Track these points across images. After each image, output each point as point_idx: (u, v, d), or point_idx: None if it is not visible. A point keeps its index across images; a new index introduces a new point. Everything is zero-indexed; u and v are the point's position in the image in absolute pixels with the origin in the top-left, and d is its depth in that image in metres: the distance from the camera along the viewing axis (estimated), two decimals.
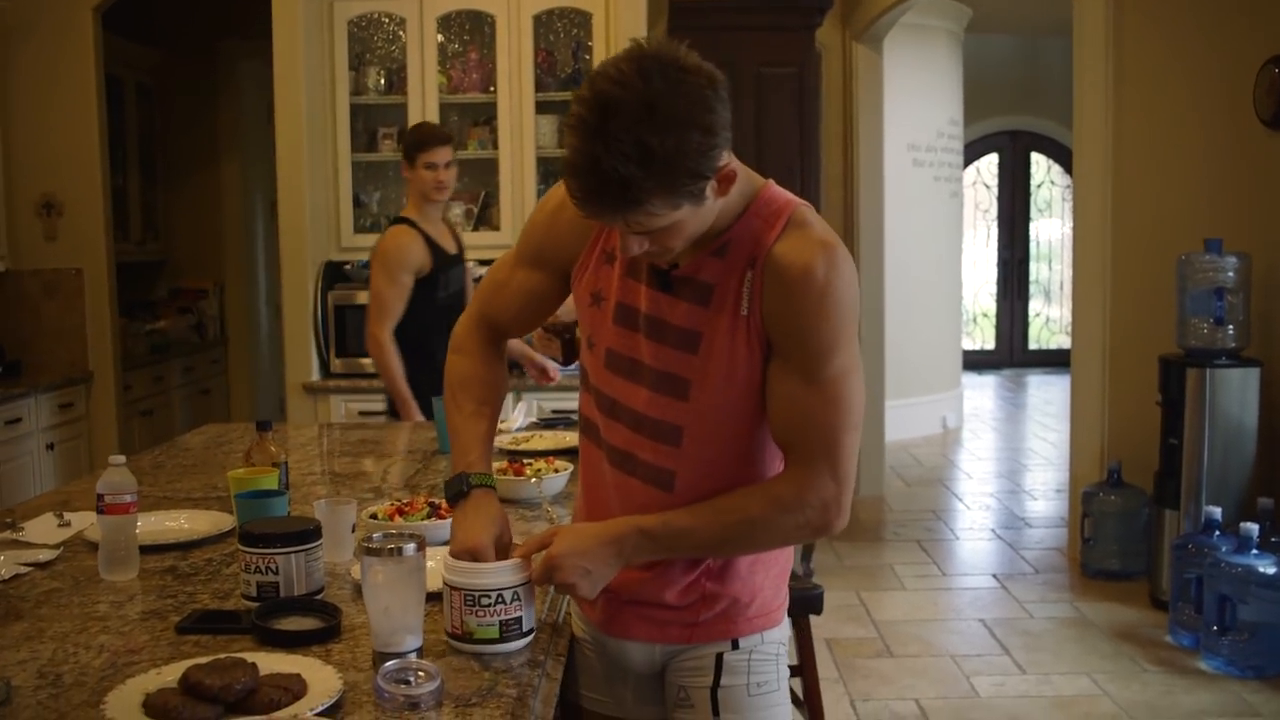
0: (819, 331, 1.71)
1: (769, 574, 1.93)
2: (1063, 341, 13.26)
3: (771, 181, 1.82)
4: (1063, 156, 12.81)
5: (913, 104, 8.97)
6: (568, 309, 2.10)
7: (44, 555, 2.37)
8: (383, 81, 5.76)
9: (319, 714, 1.53)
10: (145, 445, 5.95)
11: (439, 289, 4.35)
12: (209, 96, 7.97)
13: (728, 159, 1.65)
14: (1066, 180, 12.96)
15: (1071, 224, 12.64)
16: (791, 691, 2.41)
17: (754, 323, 1.74)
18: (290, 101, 5.47)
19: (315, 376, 5.57)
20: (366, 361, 5.51)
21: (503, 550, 1.87)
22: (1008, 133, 12.95)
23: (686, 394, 1.80)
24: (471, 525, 1.87)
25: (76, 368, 6.18)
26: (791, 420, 1.75)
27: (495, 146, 5.69)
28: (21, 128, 6.07)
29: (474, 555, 1.81)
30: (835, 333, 1.71)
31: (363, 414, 5.39)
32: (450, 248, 4.45)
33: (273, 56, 5.48)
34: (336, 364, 5.55)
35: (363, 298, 5.48)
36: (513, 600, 1.77)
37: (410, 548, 1.73)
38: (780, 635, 1.96)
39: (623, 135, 1.53)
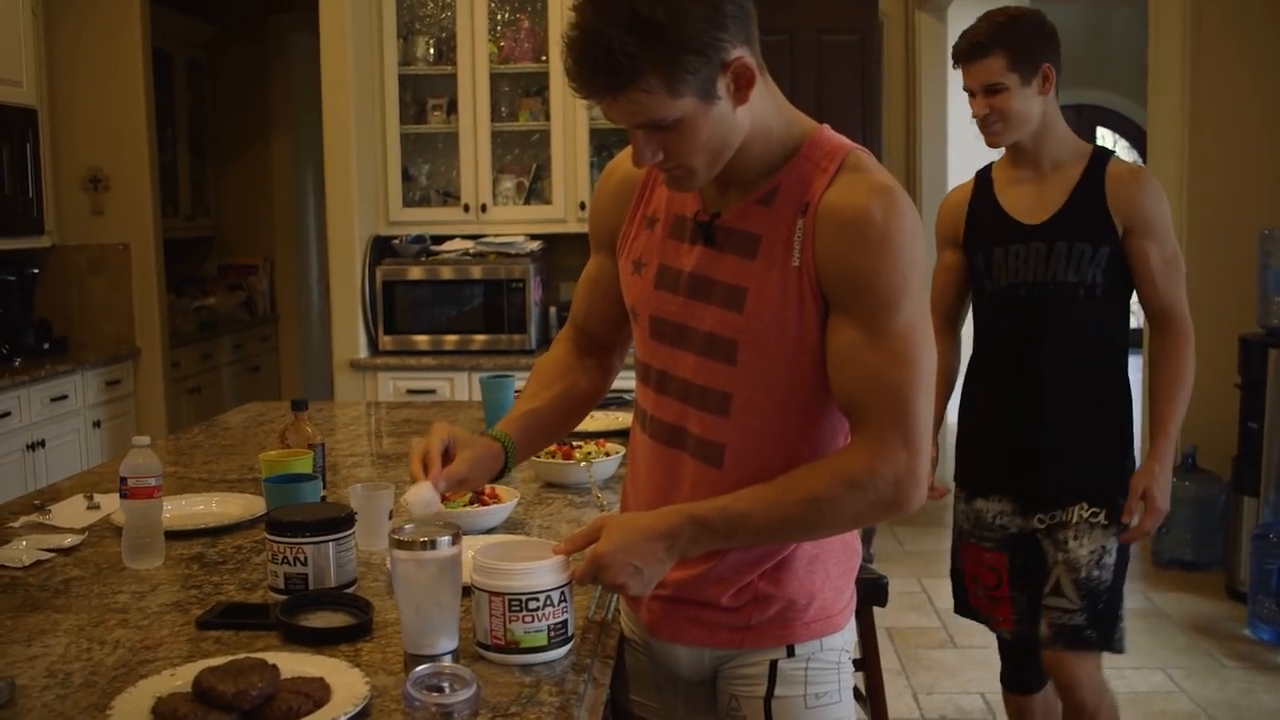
0: (880, 280, 1.55)
1: (829, 574, 1.74)
2: (1133, 322, 12.94)
3: (826, 126, 1.67)
4: (1130, 131, 12.47)
5: None
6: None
7: (69, 540, 2.26)
8: (432, 51, 5.62)
9: None
10: (193, 423, 5.87)
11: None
12: (259, 70, 7.88)
13: (743, 55, 1.52)
14: (1134, 155, 12.62)
15: None
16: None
17: (807, 274, 1.59)
18: (337, 72, 5.34)
19: (363, 353, 5.46)
20: (418, 339, 5.40)
21: (458, 464, 1.75)
22: (1072, 106, 12.58)
23: (734, 357, 1.64)
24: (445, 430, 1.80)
25: (124, 344, 6.10)
26: (856, 382, 1.58)
27: (547, 118, 5.54)
28: (69, 101, 5.99)
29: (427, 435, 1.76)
30: (900, 282, 1.55)
31: (411, 392, 5.27)
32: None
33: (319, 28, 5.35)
34: (385, 341, 5.44)
35: (416, 273, 5.37)
36: (560, 602, 1.61)
37: (445, 540, 1.58)
38: (842, 641, 1.77)
39: (619, 3, 1.47)
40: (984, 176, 3.02)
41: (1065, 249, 2.76)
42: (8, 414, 5.00)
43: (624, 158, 1.83)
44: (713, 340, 1.66)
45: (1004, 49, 2.71)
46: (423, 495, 1.69)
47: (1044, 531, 2.86)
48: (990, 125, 2.81)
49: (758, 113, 1.59)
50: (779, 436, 1.66)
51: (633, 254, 1.79)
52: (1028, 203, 2.85)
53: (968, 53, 2.77)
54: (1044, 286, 2.78)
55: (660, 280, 1.73)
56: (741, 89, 1.54)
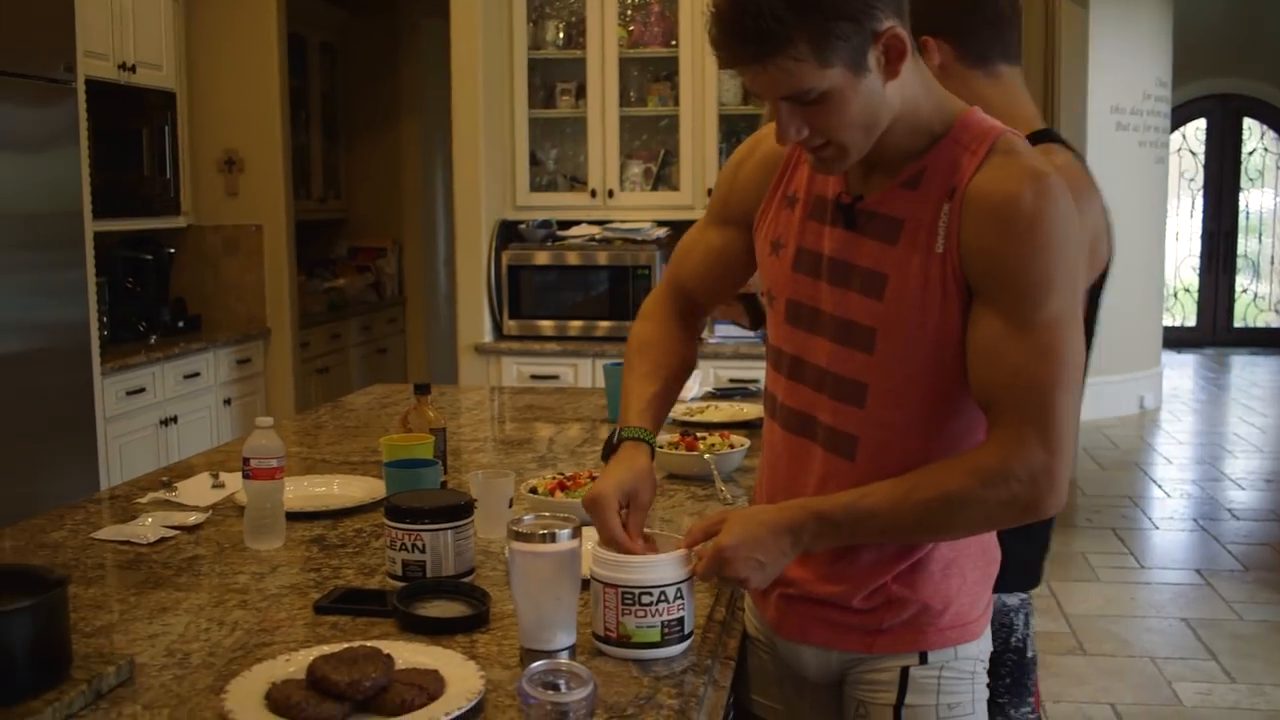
0: (1027, 268, 1.46)
1: (966, 579, 1.66)
2: (1271, 320, 12.51)
3: (977, 108, 1.59)
4: (1279, 122, 12.01)
5: (1118, 63, 8.44)
6: (756, 281, 1.90)
7: (193, 518, 2.28)
8: (561, 35, 5.60)
9: (455, 719, 1.36)
10: (320, 403, 5.95)
11: None
12: (391, 55, 7.96)
13: (895, 25, 1.46)
14: None
15: None
16: None
17: (951, 261, 1.51)
18: (467, 56, 5.35)
19: (488, 338, 5.47)
20: (543, 323, 5.40)
21: (640, 509, 1.65)
22: (1217, 96, 12.18)
23: (871, 346, 1.57)
24: (602, 477, 1.69)
25: (255, 324, 6.21)
26: (995, 374, 1.49)
27: (676, 103, 5.49)
28: (205, 84, 6.10)
29: (592, 506, 1.63)
30: (1048, 270, 1.47)
31: (534, 377, 5.27)
32: None
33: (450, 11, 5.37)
34: (510, 325, 5.44)
35: (542, 258, 5.36)
36: (675, 598, 1.56)
37: (564, 533, 1.54)
38: (978, 651, 1.69)
39: None
40: None
41: None
42: (143, 390, 5.11)
43: (768, 133, 1.75)
44: (850, 327, 1.59)
45: None
46: (669, 564, 1.59)
47: None
48: None
49: (908, 91, 1.52)
50: (914, 431, 1.59)
51: (771, 234, 1.72)
52: None
53: None
54: None
55: (798, 263, 1.66)
56: (893, 62, 1.47)
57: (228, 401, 5.83)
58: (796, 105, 1.48)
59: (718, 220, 1.88)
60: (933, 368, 1.56)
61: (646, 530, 1.67)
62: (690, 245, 1.94)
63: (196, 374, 5.55)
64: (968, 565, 1.66)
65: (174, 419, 5.33)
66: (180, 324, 5.83)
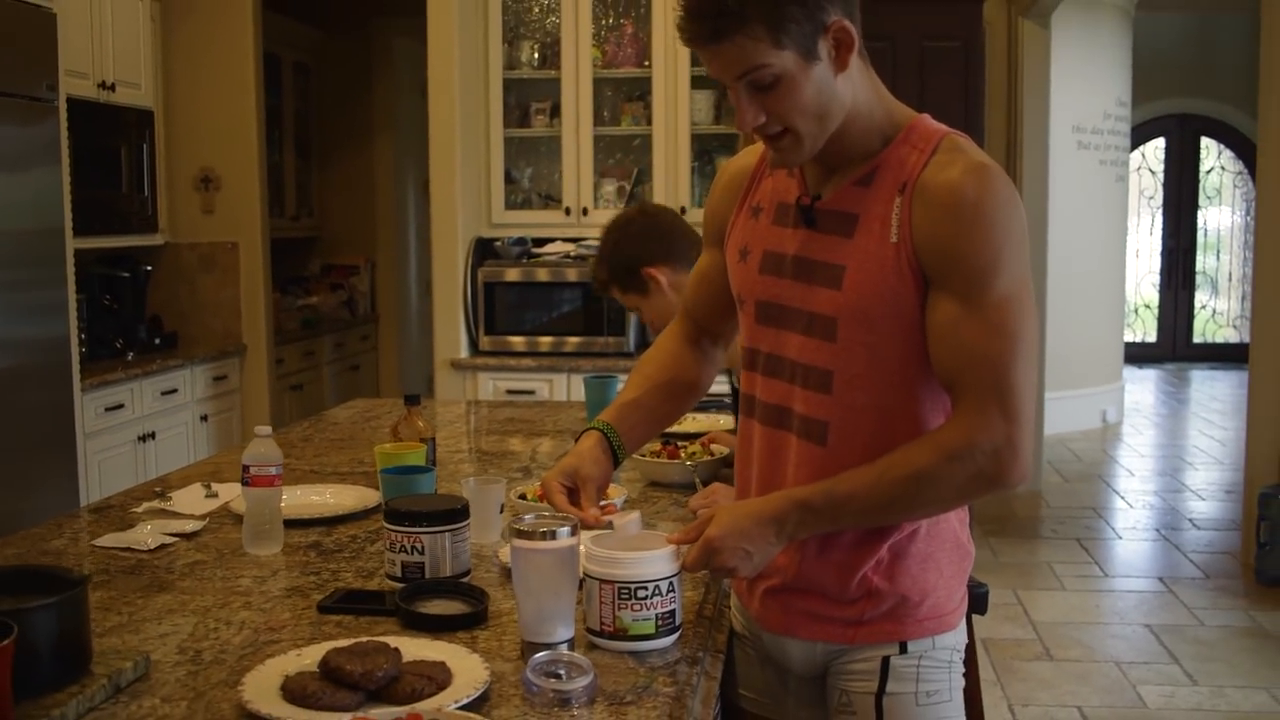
0: (975, 252, 1.58)
1: (943, 572, 1.75)
2: (1229, 335, 12.71)
3: (926, 115, 1.72)
4: (1235, 141, 12.23)
5: (1079, 84, 8.61)
6: None
7: (190, 526, 2.34)
8: (536, 56, 5.69)
9: (463, 707, 1.43)
10: (295, 419, 5.99)
11: None
12: (363, 74, 8.02)
13: (843, 20, 1.59)
14: (1239, 166, 12.38)
15: (1244, 212, 12.25)
16: None
17: (905, 250, 1.62)
18: (443, 75, 5.43)
19: (464, 353, 5.54)
20: (518, 339, 5.47)
21: (586, 482, 1.84)
22: (1176, 116, 12.40)
23: (834, 334, 1.67)
24: (556, 465, 1.87)
25: (231, 340, 6.25)
26: (954, 355, 1.60)
27: (649, 123, 5.58)
28: (182, 103, 6.15)
29: (544, 491, 1.84)
30: (994, 253, 1.58)
31: (511, 392, 5.34)
32: None
33: (427, 31, 5.44)
34: (485, 341, 5.51)
35: (518, 275, 5.44)
36: (668, 591, 1.64)
37: (564, 531, 1.62)
38: (954, 641, 1.78)
39: None
40: None
41: None
42: (121, 406, 5.15)
43: (737, 157, 1.92)
44: (814, 319, 1.70)
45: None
46: (633, 523, 1.74)
47: None
48: None
49: (859, 93, 1.65)
50: (880, 413, 1.68)
51: (739, 243, 1.84)
52: None
53: None
54: None
55: (765, 266, 1.77)
56: (842, 54, 1.60)
57: (204, 418, 5.87)
58: (754, 91, 1.60)
59: (707, 245, 2.00)
60: (894, 353, 1.66)
61: (617, 519, 1.75)
62: (692, 273, 2.07)
63: (174, 390, 5.59)
64: (943, 559, 1.75)
65: (152, 435, 5.37)
66: (156, 341, 5.87)
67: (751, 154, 1.89)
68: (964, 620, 1.81)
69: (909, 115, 1.71)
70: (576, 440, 1.94)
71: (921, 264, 1.62)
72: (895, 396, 1.68)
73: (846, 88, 1.63)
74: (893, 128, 1.68)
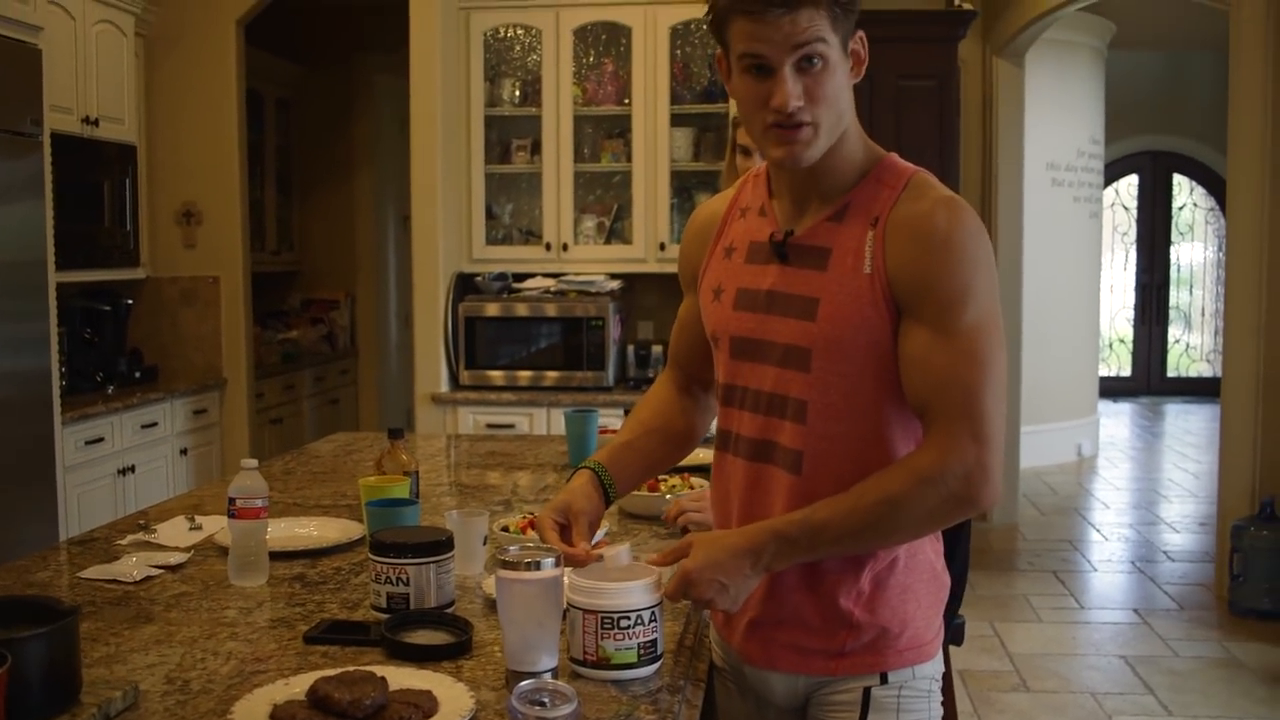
0: (945, 281, 1.64)
1: (920, 603, 1.79)
2: (1203, 369, 12.82)
3: (895, 154, 1.79)
4: (1206, 178, 12.39)
5: (1053, 122, 8.73)
6: None
7: (175, 558, 2.35)
8: (517, 93, 5.76)
9: None
10: (275, 453, 6.01)
11: None
12: (345, 110, 8.07)
13: (863, 36, 1.71)
14: (1210, 203, 12.53)
15: (1216, 248, 12.39)
16: None
17: (879, 281, 1.68)
18: (426, 112, 5.48)
19: (444, 388, 5.57)
20: (498, 374, 5.50)
21: (578, 517, 1.85)
22: (1149, 153, 12.55)
23: (808, 365, 1.72)
24: (549, 503, 1.91)
25: (211, 374, 6.27)
26: (926, 381, 1.65)
27: (628, 159, 5.65)
28: (165, 137, 6.19)
29: (536, 528, 1.85)
30: (965, 283, 1.64)
31: (491, 426, 5.37)
32: None
33: (409, 70, 5.50)
34: (465, 376, 5.54)
35: (498, 310, 5.47)
36: (650, 621, 1.68)
37: (549, 562, 1.65)
38: (933, 670, 1.82)
39: None
40: None
41: None
42: (101, 439, 5.16)
43: (706, 204, 1.99)
44: (789, 350, 1.74)
45: None
46: (623, 554, 1.76)
47: None
48: None
49: (850, 117, 1.72)
50: (854, 442, 1.72)
51: (712, 283, 1.88)
52: None
53: None
54: None
55: (739, 302, 1.82)
56: (857, 63, 1.71)
57: (184, 451, 5.87)
58: (799, 73, 1.65)
59: (684, 290, 2.05)
60: (867, 382, 1.70)
61: (607, 551, 1.77)
62: (675, 323, 2.11)
63: (154, 424, 5.60)
64: (921, 590, 1.79)
65: (132, 468, 5.37)
66: (137, 374, 5.88)
67: (720, 200, 1.96)
68: (941, 650, 1.84)
69: (880, 153, 1.77)
70: (569, 479, 1.96)
71: (895, 294, 1.67)
72: (868, 425, 1.72)
73: (851, 100, 1.71)
74: (867, 163, 1.75)
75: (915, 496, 1.63)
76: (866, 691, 1.76)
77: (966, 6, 6.04)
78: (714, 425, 1.97)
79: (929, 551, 1.81)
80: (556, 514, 1.86)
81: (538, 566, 1.64)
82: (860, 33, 1.69)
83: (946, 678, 3.18)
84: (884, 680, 1.77)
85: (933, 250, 1.64)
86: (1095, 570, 6.33)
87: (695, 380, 2.08)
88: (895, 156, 1.78)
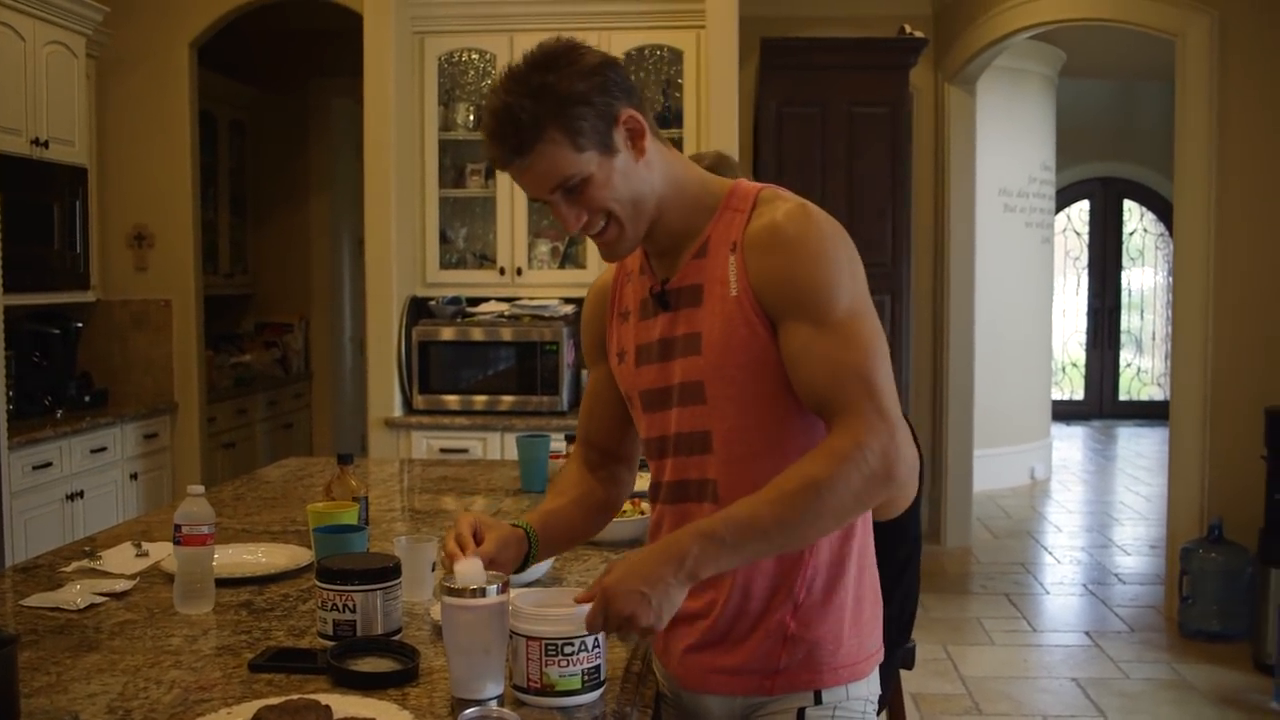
0: (807, 280, 1.68)
1: (857, 620, 1.81)
2: (1154, 393, 12.95)
3: (742, 179, 1.84)
4: (1156, 204, 12.57)
5: (1005, 148, 8.82)
6: None
7: (120, 585, 2.33)
8: (472, 118, 5.76)
9: None
10: (227, 478, 5.96)
11: None
12: (299, 133, 8.05)
13: (632, 111, 1.71)
14: (1160, 228, 12.70)
15: (1165, 273, 12.55)
16: None
17: (746, 299, 1.72)
18: (380, 136, 5.48)
19: (398, 412, 5.54)
20: (452, 398, 5.49)
21: (484, 539, 1.82)
22: (1100, 179, 12.71)
23: (704, 396, 1.76)
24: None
25: (162, 398, 6.21)
26: (816, 372, 1.67)
27: None
28: (117, 160, 6.15)
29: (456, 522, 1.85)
30: (827, 277, 1.68)
31: (444, 451, 5.35)
32: None
33: (363, 93, 5.49)
34: (419, 400, 5.52)
35: (452, 334, 5.46)
36: (594, 647, 1.68)
37: (493, 589, 1.65)
38: (867, 691, 1.83)
39: (518, 79, 1.67)
40: None
41: None
42: (49, 464, 5.10)
43: (600, 277, 2.04)
44: (684, 388, 1.79)
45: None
46: (473, 568, 1.74)
47: None
48: None
49: (670, 173, 1.77)
50: (764, 459, 1.74)
51: (615, 348, 1.94)
52: None
53: None
54: None
55: (640, 358, 1.87)
56: (637, 141, 1.72)
57: (134, 476, 5.82)
58: (569, 196, 1.70)
59: (592, 365, 2.07)
60: (764, 400, 1.73)
61: (560, 588, 1.77)
62: (584, 399, 2.12)
63: (104, 448, 5.54)
64: (858, 607, 1.81)
65: (80, 494, 5.31)
66: (86, 398, 5.82)
67: (609, 271, 2.01)
68: (876, 671, 1.85)
69: (725, 184, 1.81)
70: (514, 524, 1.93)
71: (764, 306, 1.71)
72: (773, 440, 1.75)
73: (651, 172, 1.74)
74: (713, 199, 1.79)
75: (839, 477, 1.60)
76: (800, 712, 1.77)
77: (917, 34, 6.10)
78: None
79: (866, 566, 1.84)
80: (481, 526, 1.85)
81: (483, 594, 1.64)
82: (624, 113, 1.70)
83: (898, 701, 3.20)
84: (818, 700, 1.78)
85: (788, 254, 1.68)
86: (1048, 593, 6.37)
87: (608, 456, 2.07)
88: (742, 182, 1.82)
